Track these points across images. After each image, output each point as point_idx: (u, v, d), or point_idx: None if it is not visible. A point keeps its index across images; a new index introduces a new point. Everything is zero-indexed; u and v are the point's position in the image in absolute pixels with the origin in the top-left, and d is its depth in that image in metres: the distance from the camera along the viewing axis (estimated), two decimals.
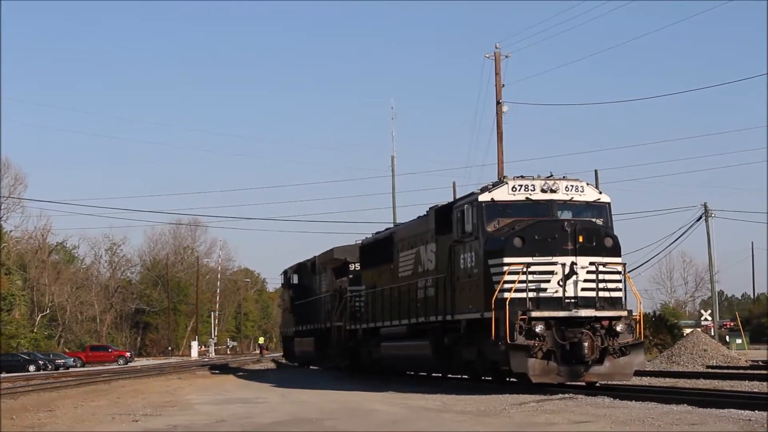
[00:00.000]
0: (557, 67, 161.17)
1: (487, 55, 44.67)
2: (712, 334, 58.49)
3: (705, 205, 59.62)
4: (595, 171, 24.16)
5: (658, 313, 73.69)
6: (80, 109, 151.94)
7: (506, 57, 44.54)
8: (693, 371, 32.04)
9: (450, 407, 18.85)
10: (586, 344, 21.48)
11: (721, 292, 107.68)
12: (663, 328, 58.75)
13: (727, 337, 65.08)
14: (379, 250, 31.09)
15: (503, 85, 44.16)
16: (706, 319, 69.23)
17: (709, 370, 32.47)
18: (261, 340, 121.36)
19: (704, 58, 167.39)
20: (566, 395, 20.07)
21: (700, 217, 59.20)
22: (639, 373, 26.92)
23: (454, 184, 27.16)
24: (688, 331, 53.52)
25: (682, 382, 26.41)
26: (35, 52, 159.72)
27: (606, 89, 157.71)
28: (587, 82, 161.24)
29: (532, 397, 19.68)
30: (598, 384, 22.64)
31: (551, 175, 23.50)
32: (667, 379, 28.28)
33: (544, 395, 20.06)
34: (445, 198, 26.21)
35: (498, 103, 43.95)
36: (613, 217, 23.73)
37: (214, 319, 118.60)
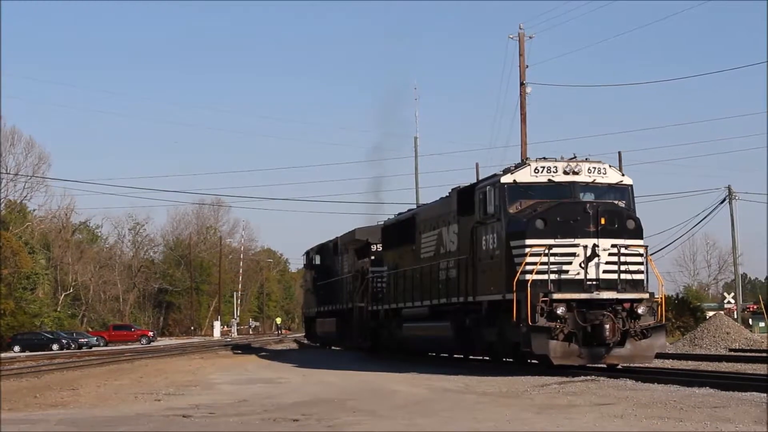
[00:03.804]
0: (582, 48, 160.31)
1: (511, 36, 44.54)
2: (735, 317, 58.25)
3: (729, 188, 59.26)
4: (619, 153, 24.23)
5: (681, 295, 73.56)
6: (104, 89, 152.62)
7: (530, 38, 44.38)
8: (716, 354, 31.94)
9: (472, 389, 18.88)
10: (607, 326, 21.43)
11: (744, 275, 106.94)
12: (686, 310, 58.63)
13: (750, 320, 64.65)
14: (401, 231, 31.09)
15: (527, 66, 44.03)
16: (729, 302, 68.90)
17: (732, 353, 32.35)
18: (279, 320, 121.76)
19: (730, 39, 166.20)
20: (588, 377, 20.05)
21: (724, 200, 58.87)
22: (661, 356, 26.86)
23: (477, 165, 27.27)
24: (711, 313, 53.33)
25: (704, 365, 26.33)
26: (59, 32, 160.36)
27: (631, 70, 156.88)
28: (612, 64, 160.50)
29: (554, 379, 19.68)
30: (619, 366, 22.61)
31: (574, 157, 23.44)
32: (690, 362, 28.20)
33: (566, 377, 20.05)
34: (468, 179, 26.20)
35: (522, 84, 43.81)
36: (635, 199, 23.65)
37: (237, 299, 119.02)
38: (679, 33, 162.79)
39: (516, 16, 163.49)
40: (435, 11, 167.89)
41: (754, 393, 15.83)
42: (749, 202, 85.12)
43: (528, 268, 21.79)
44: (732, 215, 59.62)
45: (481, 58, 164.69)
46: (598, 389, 17.68)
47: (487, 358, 26.42)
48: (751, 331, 48.30)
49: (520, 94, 43.80)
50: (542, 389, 18.04)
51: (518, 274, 21.78)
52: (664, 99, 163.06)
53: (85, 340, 67.60)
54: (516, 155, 42.95)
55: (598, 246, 21.76)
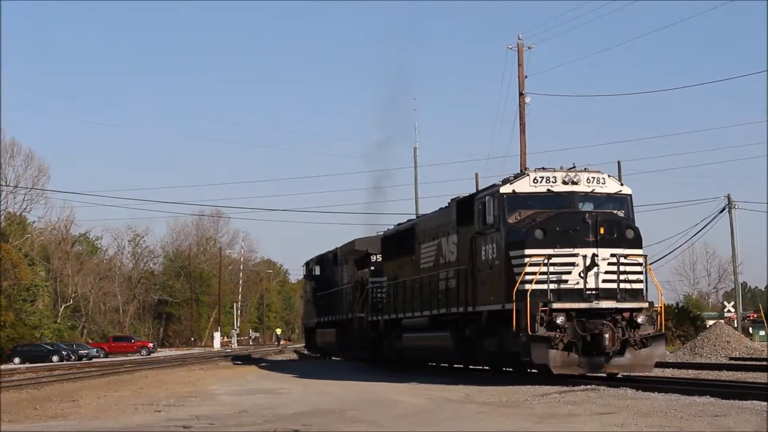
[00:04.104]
0: (581, 58, 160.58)
1: (510, 46, 44.59)
2: (735, 325, 58.19)
3: (728, 197, 59.28)
4: (618, 162, 24.16)
5: (681, 304, 73.50)
6: (103, 101, 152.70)
7: (529, 48, 44.46)
8: (716, 363, 31.94)
9: (472, 398, 18.88)
10: (606, 336, 21.46)
11: (744, 284, 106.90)
12: (686, 319, 58.64)
13: (750, 329, 64.67)
14: (400, 241, 31.12)
15: (526, 76, 44.10)
16: (729, 311, 68.84)
17: (732, 362, 32.35)
18: (278, 331, 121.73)
19: (730, 47, 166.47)
20: (589, 387, 20.06)
21: (724, 209, 58.89)
22: (662, 365, 26.86)
23: (476, 175, 27.20)
24: (711, 322, 53.30)
25: (705, 374, 26.34)
26: (57, 44, 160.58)
27: (630, 80, 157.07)
28: (611, 73, 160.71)
29: (555, 389, 19.69)
30: (619, 375, 22.62)
31: (574, 167, 23.49)
32: (690, 371, 28.21)
33: (567, 387, 20.06)
34: (468, 189, 26.20)
35: (521, 94, 43.87)
36: (634, 208, 23.69)
37: (237, 310, 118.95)
38: (679, 42, 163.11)
39: (515, 26, 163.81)
40: (434, 22, 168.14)
41: (755, 401, 15.84)
42: (749, 211, 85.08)
43: (527, 278, 21.81)
44: (732, 224, 59.66)
45: (481, 68, 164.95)
46: (599, 398, 17.69)
47: (487, 367, 26.43)
48: (751, 339, 48.33)
49: (519, 105, 43.86)
50: (543, 399, 18.05)
51: (518, 284, 21.80)
52: (664, 108, 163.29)
53: (85, 351, 67.58)
54: (516, 165, 42.99)
55: (597, 255, 21.80)
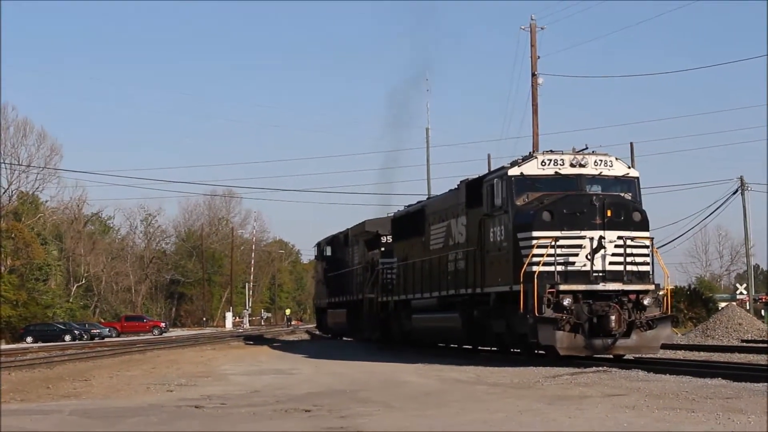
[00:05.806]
0: (593, 39, 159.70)
1: (523, 27, 44.54)
2: (748, 308, 58.18)
3: (741, 179, 59.15)
4: (631, 144, 24.26)
5: (693, 286, 73.41)
6: (116, 81, 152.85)
7: (542, 29, 44.40)
8: (728, 345, 31.94)
9: (483, 379, 18.93)
10: (613, 317, 21.53)
11: (756, 266, 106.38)
12: (698, 301, 58.58)
13: (763, 311, 64.58)
14: (410, 223, 31.19)
15: (539, 57, 44.03)
16: (741, 293, 68.82)
17: (744, 344, 32.35)
18: (288, 311, 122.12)
19: (745, 28, 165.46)
20: (600, 368, 20.07)
21: (736, 191, 58.78)
22: (673, 347, 26.87)
23: (488, 156, 27.26)
24: (723, 304, 53.35)
25: (716, 356, 26.34)
26: (70, 24, 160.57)
27: (644, 61, 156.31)
28: (624, 55, 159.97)
29: (566, 370, 19.71)
30: (630, 357, 22.69)
31: (586, 147, 23.54)
32: (702, 353, 28.21)
33: (578, 368, 20.07)
34: (480, 170, 26.24)
35: (533, 75, 43.79)
36: (641, 191, 23.72)
37: (249, 290, 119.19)
38: (693, 23, 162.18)
39: (528, 7, 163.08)
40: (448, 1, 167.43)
41: (767, 384, 15.85)
42: (761, 192, 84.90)
43: (535, 259, 21.87)
44: (744, 206, 59.58)
45: (494, 50, 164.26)
46: (610, 380, 17.71)
47: (496, 348, 26.51)
48: (763, 322, 48.26)
49: (532, 86, 43.80)
50: (554, 380, 18.08)
51: (525, 266, 21.86)
52: (677, 90, 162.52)
53: (98, 331, 67.93)
54: (528, 146, 42.99)
55: (604, 238, 21.84)
